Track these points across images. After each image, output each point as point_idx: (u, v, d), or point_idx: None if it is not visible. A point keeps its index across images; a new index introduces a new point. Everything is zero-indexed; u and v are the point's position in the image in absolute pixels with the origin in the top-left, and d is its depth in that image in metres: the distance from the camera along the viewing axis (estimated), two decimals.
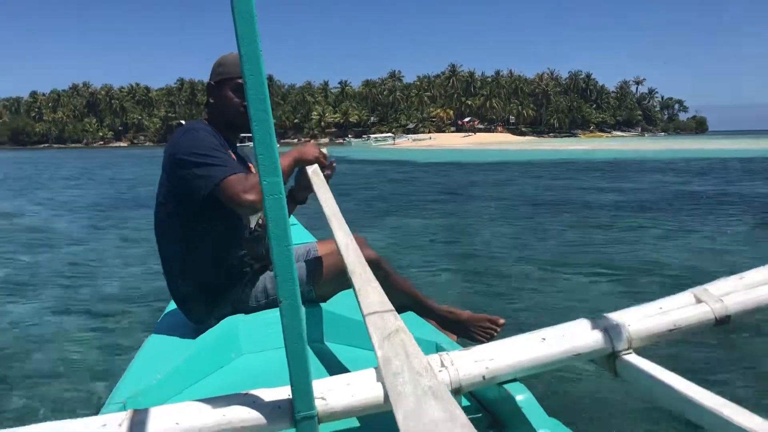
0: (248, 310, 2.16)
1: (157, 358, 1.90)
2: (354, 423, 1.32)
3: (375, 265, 1.90)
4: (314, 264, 2.21)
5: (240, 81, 2.12)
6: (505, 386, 1.26)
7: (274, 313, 2.02)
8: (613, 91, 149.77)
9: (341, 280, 2.07)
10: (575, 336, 1.29)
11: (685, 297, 1.39)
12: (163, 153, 2.12)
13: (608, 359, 1.29)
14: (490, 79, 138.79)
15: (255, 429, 1.13)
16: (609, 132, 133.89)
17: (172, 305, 2.52)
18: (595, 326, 1.31)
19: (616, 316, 1.34)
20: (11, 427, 1.12)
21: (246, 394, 1.17)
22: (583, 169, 24.85)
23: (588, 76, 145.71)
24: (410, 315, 2.14)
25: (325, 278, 2.17)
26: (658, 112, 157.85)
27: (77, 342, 4.47)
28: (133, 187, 20.59)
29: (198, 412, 1.13)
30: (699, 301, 1.36)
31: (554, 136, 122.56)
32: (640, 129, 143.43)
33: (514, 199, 13.31)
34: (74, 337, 4.60)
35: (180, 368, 1.70)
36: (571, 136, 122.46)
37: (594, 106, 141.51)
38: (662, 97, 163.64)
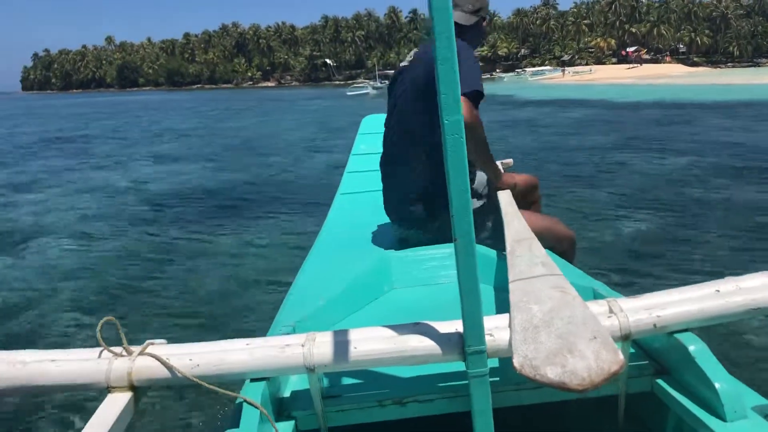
0: (413, 238, 2.36)
1: (315, 286, 2.07)
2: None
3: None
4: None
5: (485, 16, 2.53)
6: (676, 336, 1.23)
7: (422, 251, 2.19)
8: None
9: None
10: (753, 289, 1.24)
11: None
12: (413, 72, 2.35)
13: None
14: (657, 4, 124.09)
15: (427, 358, 1.17)
16: None
17: (322, 234, 2.77)
18: None
19: None
20: (197, 341, 1.26)
21: (417, 324, 1.22)
22: None
23: None
24: (569, 266, 2.14)
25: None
26: None
27: (240, 271, 5.21)
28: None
29: (372, 338, 1.19)
30: None
31: (733, 66, 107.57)
32: None
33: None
34: (236, 266, 5.39)
35: (339, 297, 1.83)
36: (754, 66, 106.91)
37: None
38: None
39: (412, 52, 2.52)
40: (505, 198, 2.30)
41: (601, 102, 27.44)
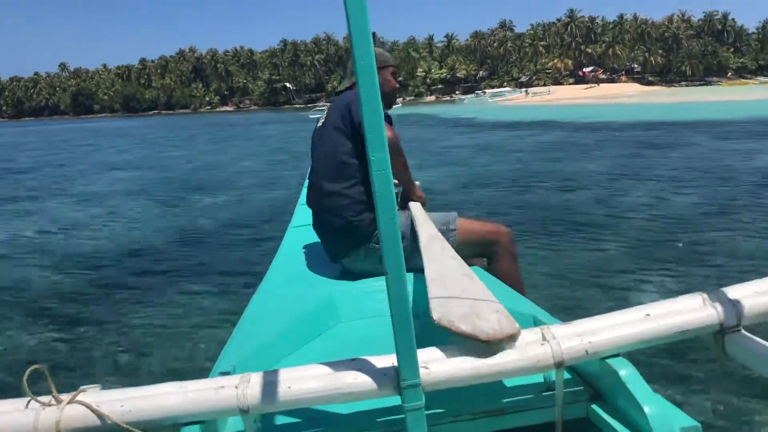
0: (357, 270, 2.46)
1: (260, 324, 2.07)
2: (455, 392, 1.31)
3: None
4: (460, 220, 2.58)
5: (395, 68, 2.75)
6: (608, 361, 1.25)
7: (368, 283, 2.27)
8: (753, 32, 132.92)
9: (474, 243, 2.53)
10: (681, 312, 1.28)
11: None
12: (331, 116, 2.54)
13: (716, 336, 1.27)
14: (612, 25, 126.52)
15: (363, 395, 1.17)
16: (750, 78, 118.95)
17: (272, 269, 2.79)
18: (702, 302, 1.29)
19: (724, 293, 1.30)
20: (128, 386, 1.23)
21: (353, 360, 1.22)
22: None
23: (725, 16, 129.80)
24: (508, 290, 2.20)
25: (467, 233, 2.53)
26: None
27: (182, 308, 4.99)
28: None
29: (308, 377, 1.19)
30: None
31: (686, 85, 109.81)
32: None
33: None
34: (179, 303, 5.14)
35: (283, 334, 1.85)
36: (705, 84, 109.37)
37: (731, 49, 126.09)
38: None
39: (325, 109, 2.70)
40: (416, 207, 2.55)
41: (568, 124, 26.93)
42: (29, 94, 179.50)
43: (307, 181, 4.40)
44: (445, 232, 2.45)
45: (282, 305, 2.23)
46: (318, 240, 2.71)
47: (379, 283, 2.21)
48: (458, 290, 1.53)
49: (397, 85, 2.83)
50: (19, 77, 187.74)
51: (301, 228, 3.38)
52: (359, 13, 0.91)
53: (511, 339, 1.23)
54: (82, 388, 1.20)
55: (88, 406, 1.14)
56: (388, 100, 2.71)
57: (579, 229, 7.01)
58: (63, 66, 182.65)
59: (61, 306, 5.39)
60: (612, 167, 11.79)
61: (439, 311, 1.37)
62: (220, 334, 4.24)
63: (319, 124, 2.67)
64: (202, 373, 1.49)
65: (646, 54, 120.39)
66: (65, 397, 1.17)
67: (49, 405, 1.16)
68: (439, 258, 1.79)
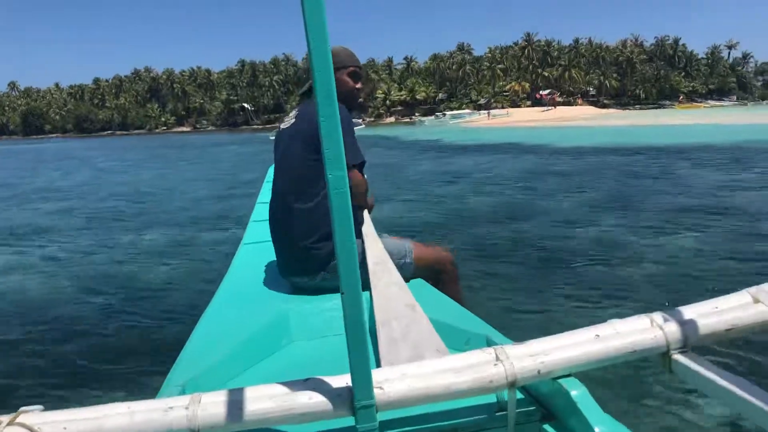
0: (311, 287, 2.46)
1: (210, 343, 2.01)
2: (409, 412, 1.33)
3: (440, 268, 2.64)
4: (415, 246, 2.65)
5: (354, 68, 2.66)
6: (560, 381, 1.27)
7: (321, 301, 2.30)
8: (703, 57, 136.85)
9: (431, 264, 2.62)
10: (629, 333, 1.30)
11: (742, 296, 1.35)
12: (295, 126, 2.54)
13: (663, 357, 1.29)
14: (568, 48, 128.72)
15: (316, 415, 1.16)
16: (701, 102, 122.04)
17: (222, 287, 2.71)
18: (649, 323, 1.32)
19: (671, 314, 1.33)
20: (70, 407, 1.18)
21: (307, 380, 1.21)
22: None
23: (676, 41, 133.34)
24: (464, 312, 2.18)
25: (422, 261, 2.60)
26: (753, 78, 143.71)
27: (130, 326, 4.87)
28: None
29: (260, 397, 1.17)
30: (756, 301, 1.32)
31: (640, 108, 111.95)
32: (735, 98, 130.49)
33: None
34: (127, 320, 5.00)
35: (235, 353, 1.82)
36: (658, 107, 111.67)
37: (683, 74, 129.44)
38: (757, 63, 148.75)
39: (293, 112, 2.66)
40: (367, 224, 2.62)
41: (535, 147, 26.19)
42: None
43: (260, 197, 4.17)
44: (402, 265, 2.46)
45: (233, 323, 2.17)
46: (271, 257, 2.70)
47: (332, 302, 2.26)
48: (402, 329, 1.66)
49: (358, 87, 2.71)
50: None
51: (253, 245, 3.35)
52: (317, 27, 0.90)
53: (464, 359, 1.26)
54: (22, 409, 1.16)
55: (29, 428, 1.10)
56: (347, 104, 2.54)
57: (533, 255, 6.85)
58: (13, 85, 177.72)
59: None
60: (594, 197, 11.13)
61: (387, 360, 1.50)
62: (167, 354, 3.51)
63: (285, 125, 2.62)
64: (150, 394, 1.42)
65: (601, 77, 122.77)
66: (4, 418, 1.12)
67: None
68: (385, 289, 1.87)
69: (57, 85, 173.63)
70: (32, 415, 1.14)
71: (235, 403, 1.15)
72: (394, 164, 20.91)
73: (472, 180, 14.71)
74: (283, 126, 2.66)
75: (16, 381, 4.00)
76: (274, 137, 2.77)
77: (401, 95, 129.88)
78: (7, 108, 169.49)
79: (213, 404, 1.15)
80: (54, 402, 3.42)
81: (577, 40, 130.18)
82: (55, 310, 5.52)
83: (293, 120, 2.59)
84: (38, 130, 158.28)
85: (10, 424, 1.10)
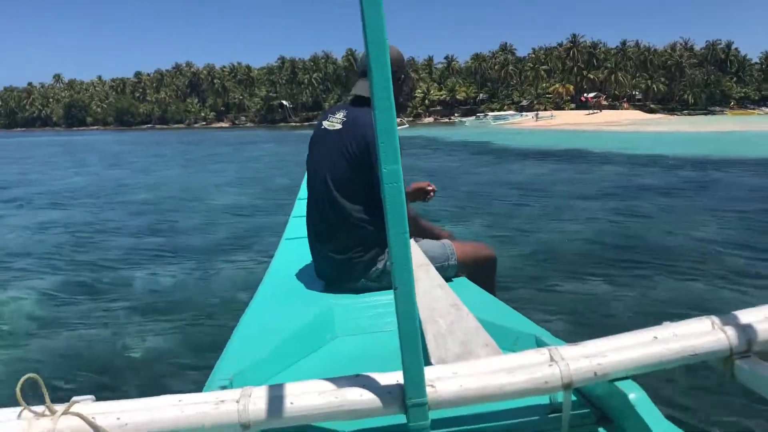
0: (356, 288, 2.45)
1: (255, 338, 2.04)
2: (460, 412, 1.31)
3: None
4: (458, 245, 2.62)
5: (401, 76, 2.58)
6: (617, 383, 1.24)
7: (364, 298, 2.32)
8: (756, 63, 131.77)
9: (473, 267, 2.59)
10: (689, 335, 1.26)
11: None
12: (346, 132, 2.43)
13: (726, 361, 1.25)
14: (614, 51, 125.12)
15: (367, 412, 1.15)
16: (754, 109, 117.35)
17: (264, 283, 2.72)
18: (711, 326, 1.28)
19: (735, 317, 1.29)
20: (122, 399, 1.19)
21: (357, 377, 1.19)
22: None
23: (728, 45, 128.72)
24: (510, 311, 2.17)
25: (464, 260, 2.58)
26: None
27: (174, 322, 4.93)
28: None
29: (310, 392, 1.16)
30: None
31: (688, 114, 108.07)
32: None
33: None
34: (171, 317, 5.07)
35: (280, 348, 1.83)
36: (707, 113, 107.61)
37: (734, 79, 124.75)
38: None
39: (340, 114, 2.55)
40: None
41: (608, 155, 23.24)
42: (22, 104, 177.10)
43: (300, 193, 4.07)
44: (446, 267, 2.48)
45: (276, 319, 2.20)
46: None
47: (375, 298, 2.31)
48: (449, 326, 1.64)
49: (409, 89, 2.71)
50: (13, 87, 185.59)
51: (294, 240, 3.34)
52: (376, 22, 0.89)
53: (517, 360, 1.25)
54: (75, 398, 1.17)
55: (83, 418, 1.11)
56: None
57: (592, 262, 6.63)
58: (57, 77, 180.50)
59: (50, 316, 5.37)
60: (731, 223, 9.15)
61: (436, 356, 1.47)
62: (212, 348, 3.79)
63: (329, 126, 2.54)
64: (195, 387, 1.36)
65: (648, 81, 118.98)
66: (59, 407, 1.14)
67: (43, 415, 1.13)
68: (428, 290, 1.85)
69: (100, 77, 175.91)
70: (85, 405, 1.15)
71: (286, 397, 1.15)
72: (445, 171, 18.77)
73: (544, 195, 12.53)
74: (327, 125, 2.55)
75: (64, 373, 4.07)
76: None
77: (441, 95, 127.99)
78: (51, 100, 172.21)
79: (263, 398, 1.15)
80: (101, 394, 2.48)
81: (624, 43, 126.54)
82: (99, 305, 5.63)
83: (339, 125, 2.50)
84: (80, 122, 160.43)
85: (65, 413, 1.12)
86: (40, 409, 1.13)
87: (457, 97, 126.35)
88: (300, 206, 3.87)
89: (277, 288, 2.65)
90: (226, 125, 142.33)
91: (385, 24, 0.90)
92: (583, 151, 25.79)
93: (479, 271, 2.62)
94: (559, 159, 22.22)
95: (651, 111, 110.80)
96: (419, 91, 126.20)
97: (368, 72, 0.93)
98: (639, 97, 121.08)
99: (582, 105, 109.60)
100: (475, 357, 1.41)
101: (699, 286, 5.43)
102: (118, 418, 1.12)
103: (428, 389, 1.12)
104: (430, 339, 1.55)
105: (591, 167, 18.42)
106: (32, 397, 1.14)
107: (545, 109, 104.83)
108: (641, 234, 8.04)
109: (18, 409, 1.13)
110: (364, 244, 2.41)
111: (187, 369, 4.02)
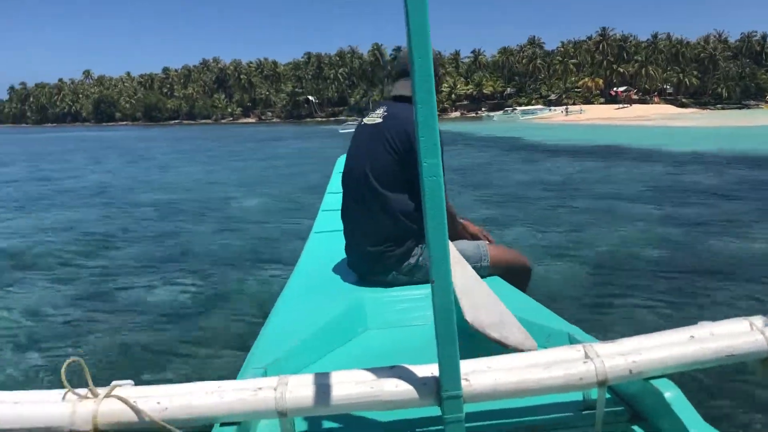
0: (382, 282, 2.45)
1: (287, 328, 2.06)
2: (494, 406, 1.30)
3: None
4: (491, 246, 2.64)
5: (440, 74, 2.57)
6: (652, 381, 1.23)
7: (395, 292, 2.32)
8: None
9: (506, 272, 2.57)
10: (727, 336, 1.25)
11: None
12: (384, 126, 2.45)
13: (764, 363, 1.25)
14: (645, 44, 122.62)
15: (402, 403, 1.15)
16: None
17: (295, 275, 2.74)
18: (749, 327, 1.27)
19: None
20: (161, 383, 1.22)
21: (392, 368, 1.20)
22: None
23: (764, 37, 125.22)
24: (542, 308, 2.14)
25: (497, 264, 2.57)
26: None
27: (206, 311, 5.11)
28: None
29: (346, 382, 1.17)
30: None
31: (722, 108, 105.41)
32: None
33: None
34: (204, 306, 5.26)
35: (312, 339, 1.86)
36: (742, 107, 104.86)
37: None
38: None
39: (380, 110, 2.58)
40: None
41: (647, 151, 21.89)
42: (53, 100, 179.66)
43: (329, 187, 4.19)
44: (478, 268, 2.42)
45: (308, 310, 2.22)
46: (341, 246, 2.67)
47: (406, 292, 2.31)
48: (484, 304, 1.67)
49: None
50: (45, 83, 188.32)
51: (323, 234, 3.35)
52: (419, 15, 0.90)
53: (551, 355, 1.25)
54: (115, 382, 1.20)
55: (124, 401, 1.13)
56: None
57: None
58: (87, 73, 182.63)
59: (88, 305, 5.51)
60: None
61: (471, 314, 1.49)
62: (242, 337, 4.33)
63: (369, 121, 2.57)
64: (229, 371, 1.55)
65: (680, 75, 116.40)
66: (101, 390, 1.16)
67: (86, 398, 1.16)
68: (463, 283, 1.85)
69: (128, 74, 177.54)
70: (126, 389, 1.18)
71: (322, 387, 1.15)
72: (476, 168, 17.86)
73: (582, 194, 11.74)
74: (367, 121, 2.58)
75: (106, 357, 4.20)
76: (345, 130, 2.21)
77: (467, 89, 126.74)
78: (81, 95, 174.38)
79: (300, 387, 1.16)
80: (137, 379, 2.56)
81: (655, 36, 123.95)
82: (133, 295, 5.77)
83: (380, 119, 2.52)
84: (109, 117, 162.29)
85: (107, 396, 1.14)
86: (83, 391, 1.16)
87: (484, 91, 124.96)
88: (329, 200, 3.93)
89: (307, 280, 2.66)
90: (253, 121, 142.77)
91: (427, 10, 0.90)
92: (618, 147, 24.68)
93: (512, 277, 2.57)
94: (594, 156, 21.17)
95: (682, 105, 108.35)
96: (446, 85, 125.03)
97: (410, 64, 0.92)
98: (670, 91, 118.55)
99: (611, 99, 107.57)
100: (509, 332, 1.45)
101: (738, 291, 5.23)
102: (158, 402, 1.13)
103: (463, 382, 1.11)
104: (466, 305, 1.59)
105: (630, 165, 17.44)
106: (75, 380, 1.17)
107: (574, 104, 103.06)
108: (689, 239, 7.45)
109: (62, 391, 1.16)
110: (399, 238, 2.42)
111: (217, 358, 4.11)
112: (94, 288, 6.09)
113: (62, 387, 1.17)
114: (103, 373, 3.68)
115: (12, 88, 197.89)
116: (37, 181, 18.03)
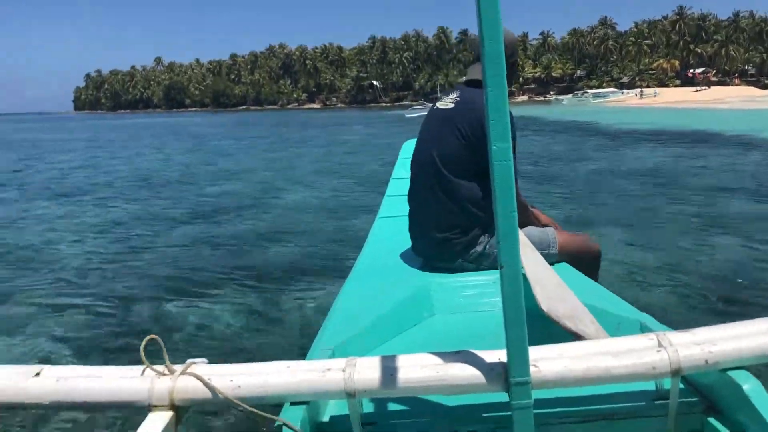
0: (455, 267, 2.41)
1: (353, 312, 2.06)
2: (563, 393, 1.31)
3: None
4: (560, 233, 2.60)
5: (516, 59, 2.56)
6: (729, 373, 1.19)
7: (461, 278, 2.31)
8: None
9: (574, 258, 2.52)
10: None
11: None
12: (455, 112, 2.40)
13: None
14: (725, 23, 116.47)
15: (469, 388, 1.15)
16: None
17: (361, 259, 2.75)
18: None
19: None
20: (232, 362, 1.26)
21: (459, 353, 1.20)
22: None
23: None
24: (612, 296, 2.11)
25: (565, 250, 2.53)
26: None
27: (275, 294, 5.19)
28: None
29: (413, 365, 1.17)
30: None
31: None
32: None
33: None
34: (273, 289, 5.34)
35: (378, 322, 1.88)
36: None
37: None
38: None
39: (453, 94, 2.52)
40: None
41: (747, 137, 19.55)
42: (126, 87, 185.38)
43: (394, 172, 4.18)
44: (546, 255, 2.38)
45: (374, 294, 2.22)
46: (406, 231, 2.65)
47: (472, 278, 2.30)
48: (557, 293, 1.67)
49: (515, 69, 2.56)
50: (118, 71, 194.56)
51: (388, 219, 3.37)
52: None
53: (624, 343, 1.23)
54: (190, 360, 1.23)
55: (199, 378, 1.17)
56: None
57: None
58: (158, 60, 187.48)
59: (160, 285, 5.70)
60: None
61: (546, 303, 1.49)
62: (309, 318, 4.47)
63: (442, 105, 2.52)
64: (298, 351, 1.71)
65: (764, 55, 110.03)
66: (178, 368, 1.20)
67: (163, 374, 1.19)
68: (532, 269, 1.84)
69: (197, 60, 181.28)
70: (200, 367, 1.21)
71: (389, 369, 1.16)
72: (551, 156, 16.53)
73: (677, 186, 10.47)
74: (440, 105, 2.54)
75: (180, 336, 4.32)
76: (411, 115, 2.23)
77: (535, 72, 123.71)
78: (152, 82, 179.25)
79: (368, 369, 1.16)
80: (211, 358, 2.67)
81: (737, 14, 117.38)
82: (206, 278, 5.86)
83: (452, 104, 2.46)
84: (179, 104, 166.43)
85: (183, 373, 1.18)
86: (160, 368, 1.20)
87: (553, 74, 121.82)
88: (394, 185, 3.92)
89: (373, 265, 2.66)
90: (318, 106, 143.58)
91: (499, 2, 0.90)
92: (707, 133, 22.70)
93: (581, 264, 2.51)
94: (680, 142, 19.47)
95: (765, 87, 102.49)
96: None
97: (481, 45, 0.91)
98: (752, 72, 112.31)
99: (688, 81, 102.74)
100: (583, 325, 1.45)
101: None
102: (232, 380, 1.16)
103: (531, 369, 1.10)
104: (539, 293, 1.60)
105: (727, 152, 15.67)
106: (151, 357, 1.21)
107: (648, 86, 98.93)
108: None
109: (141, 367, 1.21)
110: (467, 225, 2.38)
111: (286, 339, 4.18)
112: (169, 270, 6.28)
113: (141, 363, 1.21)
114: (178, 353, 3.68)
115: (88, 75, 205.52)
116: (124, 170, 18.06)
